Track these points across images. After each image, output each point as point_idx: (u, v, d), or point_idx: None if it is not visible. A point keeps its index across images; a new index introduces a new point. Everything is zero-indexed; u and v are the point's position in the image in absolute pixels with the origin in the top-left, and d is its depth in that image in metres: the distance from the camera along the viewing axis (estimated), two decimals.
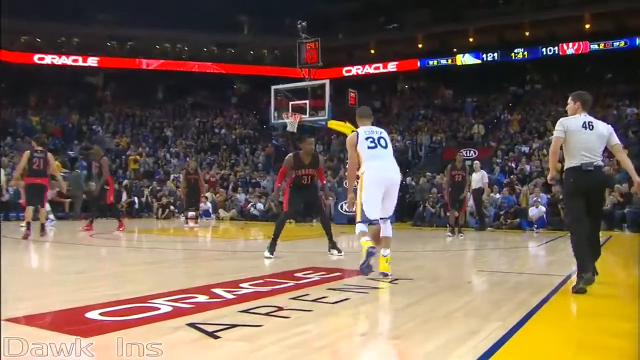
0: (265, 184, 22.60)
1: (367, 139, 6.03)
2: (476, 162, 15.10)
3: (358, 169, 6.04)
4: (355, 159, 6.04)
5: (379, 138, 6.06)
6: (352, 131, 6.32)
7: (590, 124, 5.35)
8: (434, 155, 25.60)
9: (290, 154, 8.25)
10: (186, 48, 36.48)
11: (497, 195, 17.06)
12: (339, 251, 8.17)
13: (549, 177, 5.58)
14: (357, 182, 6.07)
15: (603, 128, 5.41)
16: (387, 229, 6.08)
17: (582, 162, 5.26)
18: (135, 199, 20.95)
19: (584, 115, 5.41)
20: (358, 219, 5.88)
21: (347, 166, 6.57)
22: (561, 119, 5.43)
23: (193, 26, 33.61)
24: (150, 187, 22.33)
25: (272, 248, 7.71)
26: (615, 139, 5.44)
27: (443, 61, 33.07)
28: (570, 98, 5.61)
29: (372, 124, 6.34)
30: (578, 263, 5.18)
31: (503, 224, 15.61)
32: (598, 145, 5.32)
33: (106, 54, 33.82)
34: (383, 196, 5.90)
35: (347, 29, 37.19)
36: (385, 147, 6.05)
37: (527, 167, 20.07)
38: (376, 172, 5.87)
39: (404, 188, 19.36)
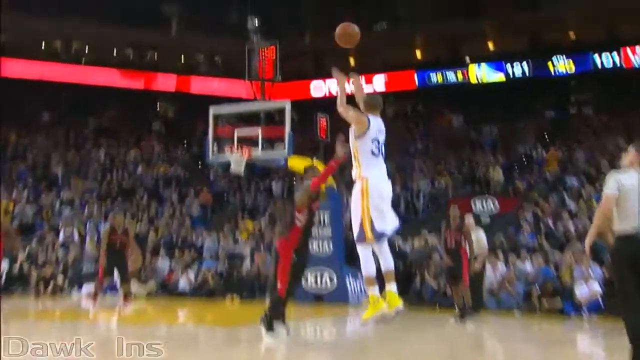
0: (210, 244, 22.43)
1: (373, 140, 7.52)
2: (467, 215, 14.95)
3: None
4: (349, 113, 7.50)
5: (381, 144, 7.62)
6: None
7: None
8: (437, 207, 25.54)
9: (305, 185, 9.22)
10: (88, 48, 36.21)
11: (528, 266, 17.05)
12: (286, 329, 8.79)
13: (586, 241, 6.17)
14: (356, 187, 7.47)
15: None
16: (387, 259, 7.62)
17: (636, 228, 5.72)
18: (3, 263, 20.33)
19: None
20: (368, 236, 7.29)
21: None
22: (613, 173, 6.06)
23: (98, 17, 33.34)
24: (27, 249, 21.77)
25: (271, 324, 8.65)
26: None
27: (450, 75, 33.41)
28: (630, 146, 6.19)
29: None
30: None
31: (538, 307, 15.59)
32: None
33: None
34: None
35: (316, 27, 37.41)
36: (383, 154, 7.67)
37: (572, 226, 20.04)
38: (380, 184, 7.46)
39: (394, 253, 19.15)
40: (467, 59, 33.74)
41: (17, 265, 20.77)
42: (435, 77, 33.62)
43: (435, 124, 34.02)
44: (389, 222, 7.46)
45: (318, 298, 17.03)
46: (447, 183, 26.94)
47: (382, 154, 7.58)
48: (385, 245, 7.64)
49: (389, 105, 36.36)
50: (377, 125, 7.60)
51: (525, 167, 27.42)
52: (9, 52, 33.34)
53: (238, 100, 19.82)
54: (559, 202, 22.64)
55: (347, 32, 7.82)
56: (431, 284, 17.09)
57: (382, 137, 7.62)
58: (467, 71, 32.91)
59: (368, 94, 8.05)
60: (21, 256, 21.24)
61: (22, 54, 33.71)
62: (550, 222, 20.89)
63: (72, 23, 33.95)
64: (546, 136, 29.74)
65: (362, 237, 7.35)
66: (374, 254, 7.61)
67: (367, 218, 7.25)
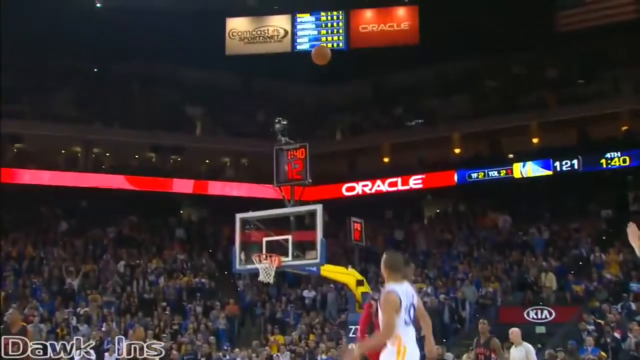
0: None
1: (406, 310, 7.25)
2: (513, 329, 14.64)
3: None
4: (393, 328, 7.10)
5: (410, 308, 7.35)
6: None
7: None
8: (485, 316, 24.86)
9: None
10: (108, 154, 36.58)
11: None
12: None
13: None
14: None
15: None
16: None
17: None
18: None
19: None
20: None
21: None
22: None
23: (120, 120, 33.70)
24: None
25: None
26: None
27: (493, 173, 32.96)
28: None
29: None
30: None
31: None
32: None
33: None
34: None
35: (348, 125, 37.55)
36: (413, 319, 7.44)
37: None
38: (414, 353, 7.25)
39: None
40: (511, 156, 33.65)
41: None
42: (476, 174, 33.17)
43: (479, 224, 33.56)
44: None
45: None
46: (496, 289, 26.55)
47: (411, 320, 7.38)
48: None
49: (428, 206, 35.95)
50: (404, 294, 7.32)
51: (582, 272, 26.87)
52: (24, 159, 33.61)
53: (265, 201, 19.52)
54: (624, 312, 22.00)
55: (321, 53, 10.75)
56: None
57: (409, 301, 7.37)
58: (511, 169, 32.50)
59: (387, 253, 7.61)
60: None
61: (40, 162, 33.91)
62: (617, 335, 20.17)
63: (90, 127, 34.50)
64: (603, 238, 29.12)
65: None
66: None
67: None
